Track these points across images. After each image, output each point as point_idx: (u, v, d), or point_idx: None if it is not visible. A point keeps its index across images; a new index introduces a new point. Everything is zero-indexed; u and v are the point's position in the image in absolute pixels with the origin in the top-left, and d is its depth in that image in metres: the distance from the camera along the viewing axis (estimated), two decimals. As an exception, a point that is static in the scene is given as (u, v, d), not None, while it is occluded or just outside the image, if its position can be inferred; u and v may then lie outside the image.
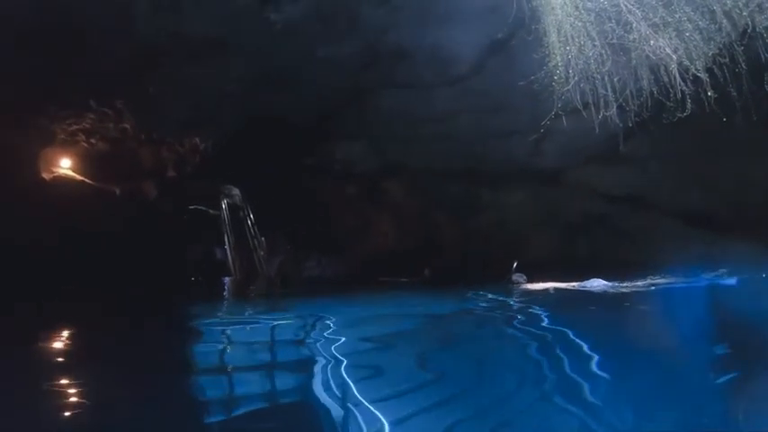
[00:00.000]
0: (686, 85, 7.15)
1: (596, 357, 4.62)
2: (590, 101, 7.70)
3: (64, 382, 4.27)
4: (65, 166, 10.05)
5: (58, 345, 5.74)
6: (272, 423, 3.41)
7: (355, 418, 3.25)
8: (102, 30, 8.13)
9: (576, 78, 7.53)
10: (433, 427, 3.22)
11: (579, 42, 7.42)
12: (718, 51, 7.13)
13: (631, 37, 7.22)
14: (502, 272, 10.38)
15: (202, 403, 3.79)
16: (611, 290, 9.10)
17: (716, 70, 7.16)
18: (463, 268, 11.56)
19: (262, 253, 11.08)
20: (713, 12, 6.92)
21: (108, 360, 4.73)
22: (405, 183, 12.86)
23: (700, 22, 7.00)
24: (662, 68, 7.26)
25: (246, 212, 11.09)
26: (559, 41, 7.47)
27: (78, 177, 10.11)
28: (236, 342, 6.21)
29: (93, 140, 10.20)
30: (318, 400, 3.62)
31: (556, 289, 9.47)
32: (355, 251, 12.30)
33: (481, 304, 8.47)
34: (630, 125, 8.16)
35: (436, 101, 10.78)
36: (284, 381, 4.41)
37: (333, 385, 3.91)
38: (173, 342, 5.84)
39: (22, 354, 5.04)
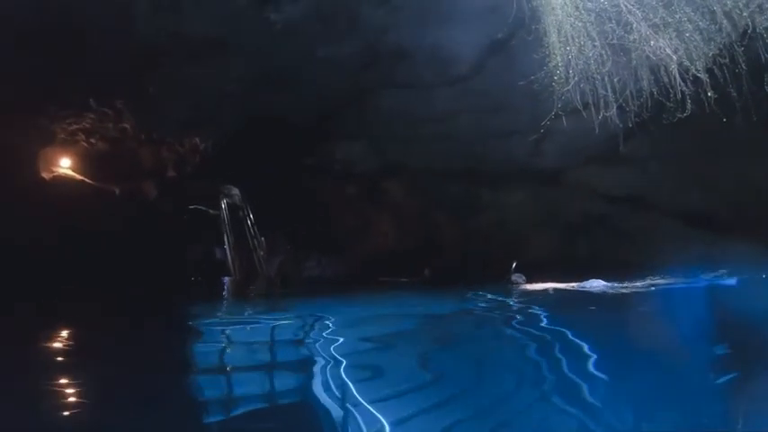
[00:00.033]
0: (686, 86, 7.15)
1: (595, 358, 4.62)
2: (590, 101, 7.69)
3: (64, 381, 4.28)
4: (65, 165, 10.05)
5: (57, 345, 5.74)
6: (271, 423, 3.41)
7: (354, 418, 3.25)
8: (102, 30, 8.13)
9: (576, 79, 7.53)
10: (432, 428, 3.22)
11: (579, 43, 7.41)
12: (718, 52, 7.13)
13: (631, 37, 7.21)
14: (502, 272, 10.37)
15: (201, 403, 3.79)
16: (611, 290, 9.10)
17: (716, 71, 7.16)
18: (463, 268, 11.55)
19: (261, 253, 11.08)
20: (713, 12, 6.92)
21: (108, 360, 4.72)
22: (405, 183, 12.86)
23: (700, 23, 7.00)
24: (662, 69, 7.26)
25: (246, 212, 11.08)
26: (559, 42, 7.47)
27: (78, 177, 10.11)
28: (235, 342, 6.21)
29: (92, 140, 10.20)
30: (317, 400, 3.62)
31: (555, 289, 9.47)
32: (355, 251, 12.30)
33: (481, 304, 8.46)
34: (630, 125, 8.15)
35: (436, 101, 10.78)
36: (283, 381, 4.41)
37: (332, 385, 3.90)
38: (172, 342, 5.84)
39: (22, 354, 5.04)
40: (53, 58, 8.12)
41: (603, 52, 7.37)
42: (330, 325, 6.49)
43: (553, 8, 7.46)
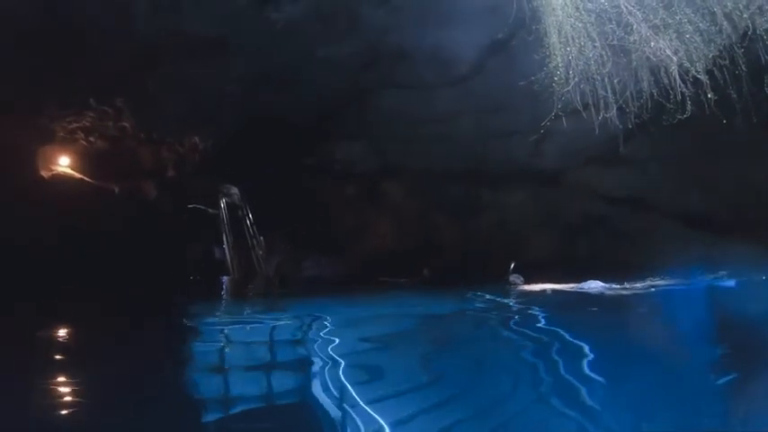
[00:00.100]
0: (686, 87, 7.15)
1: (594, 359, 4.62)
2: (590, 102, 7.70)
3: (64, 381, 4.29)
4: (64, 164, 10.05)
5: (57, 345, 5.75)
6: (269, 423, 3.42)
7: (352, 418, 3.26)
8: (102, 30, 8.15)
9: (577, 79, 7.53)
10: (431, 428, 3.23)
11: (580, 43, 7.41)
12: (718, 53, 7.12)
13: (632, 38, 7.21)
14: (501, 273, 10.37)
15: (200, 403, 3.80)
16: (609, 292, 9.09)
17: (716, 72, 7.17)
18: (463, 269, 11.54)
19: (260, 252, 11.08)
20: (714, 14, 6.92)
21: (108, 360, 4.73)
22: (405, 183, 12.84)
23: (700, 24, 6.99)
24: (662, 70, 7.26)
25: (245, 212, 11.09)
26: (560, 42, 7.47)
27: (77, 176, 10.11)
28: (234, 342, 6.22)
29: (92, 139, 10.20)
30: (315, 399, 3.64)
31: (553, 290, 9.46)
32: (355, 251, 12.28)
33: (479, 305, 8.47)
34: (630, 126, 8.16)
35: (436, 101, 10.77)
36: (282, 381, 4.42)
37: (330, 386, 3.91)
38: (171, 342, 5.85)
39: (22, 354, 5.05)
40: (53, 58, 8.12)
41: (604, 53, 7.37)
42: (328, 325, 6.50)
43: (553, 9, 7.46)
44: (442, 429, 3.20)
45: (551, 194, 12.32)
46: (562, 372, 4.34)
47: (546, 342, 5.71)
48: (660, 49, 7.08)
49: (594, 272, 9.68)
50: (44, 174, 9.75)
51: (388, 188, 13.01)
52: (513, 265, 10.32)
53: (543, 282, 9.87)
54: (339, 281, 11.16)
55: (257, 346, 5.78)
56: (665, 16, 7.03)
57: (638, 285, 9.41)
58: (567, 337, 5.55)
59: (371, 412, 3.28)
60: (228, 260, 10.87)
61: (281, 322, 7.23)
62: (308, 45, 9.29)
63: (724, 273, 9.74)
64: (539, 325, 6.61)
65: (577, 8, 7.33)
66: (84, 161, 10.18)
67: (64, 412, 3.61)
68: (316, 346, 5.30)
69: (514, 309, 8.30)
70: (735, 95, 7.19)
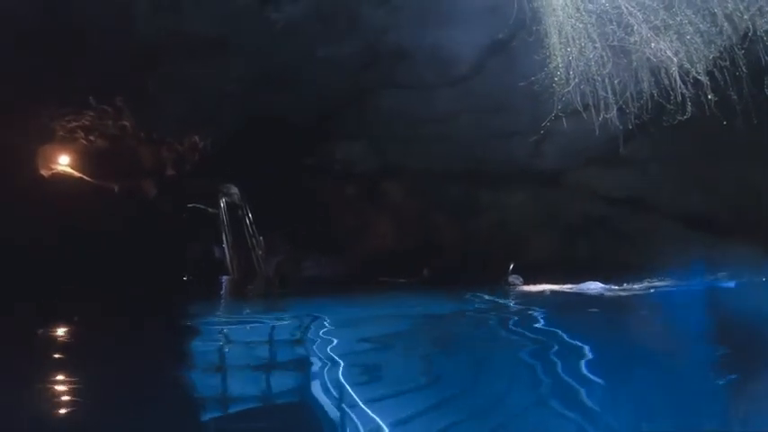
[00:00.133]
0: (687, 88, 7.15)
1: (593, 360, 4.62)
2: (590, 103, 7.70)
3: (64, 381, 4.30)
4: (63, 163, 10.05)
5: (57, 345, 5.76)
6: (268, 423, 3.43)
7: (351, 418, 3.26)
8: (102, 30, 8.15)
9: (577, 80, 7.53)
10: (429, 428, 3.23)
11: (580, 44, 7.41)
12: (718, 54, 7.12)
13: (632, 39, 7.21)
14: (501, 273, 10.37)
15: (199, 402, 3.81)
16: (608, 293, 9.09)
17: (716, 73, 7.17)
18: (463, 269, 11.55)
19: (260, 252, 11.08)
20: (714, 15, 6.91)
21: (108, 359, 4.74)
22: (405, 183, 12.84)
23: (701, 25, 6.99)
24: (662, 71, 7.26)
25: (245, 211, 11.09)
26: (560, 43, 7.47)
27: (77, 175, 10.11)
28: (233, 342, 6.23)
29: (92, 138, 10.20)
30: (314, 399, 3.64)
31: (552, 291, 9.47)
32: (355, 251, 12.28)
33: (479, 306, 8.47)
34: (631, 127, 8.16)
35: (436, 101, 10.76)
36: (281, 381, 4.43)
37: (329, 386, 3.92)
38: (171, 342, 5.86)
39: (22, 353, 5.06)
40: (53, 58, 8.12)
41: (604, 54, 7.37)
42: (327, 325, 6.50)
43: (554, 9, 7.46)
44: (441, 430, 3.21)
45: (551, 195, 12.31)
46: (560, 372, 4.34)
47: (544, 343, 5.71)
48: (661, 50, 7.08)
49: (595, 273, 9.68)
50: (44, 173, 9.75)
51: (388, 188, 13.00)
52: (512, 266, 10.32)
53: (543, 282, 9.87)
54: (339, 281, 11.16)
55: (257, 346, 5.79)
56: (665, 17, 7.03)
57: (637, 286, 9.42)
58: (566, 337, 5.55)
59: (370, 412, 3.28)
60: (228, 260, 10.87)
61: (281, 322, 7.24)
62: (308, 45, 9.29)
63: (724, 274, 9.74)
64: (537, 326, 6.61)
65: (578, 9, 7.33)
66: (83, 160, 10.19)
67: (64, 412, 3.62)
68: (315, 346, 5.31)
69: (513, 309, 8.31)
70: (735, 97, 7.19)
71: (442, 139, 11.42)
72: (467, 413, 3.49)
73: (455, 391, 4.04)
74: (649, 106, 7.59)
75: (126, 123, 10.27)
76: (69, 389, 4.09)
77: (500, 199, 12.62)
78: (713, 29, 7.00)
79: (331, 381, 4.00)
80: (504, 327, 6.86)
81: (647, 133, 8.54)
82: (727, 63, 7.08)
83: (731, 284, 9.46)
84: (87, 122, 10.00)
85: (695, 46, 7.07)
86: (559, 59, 7.46)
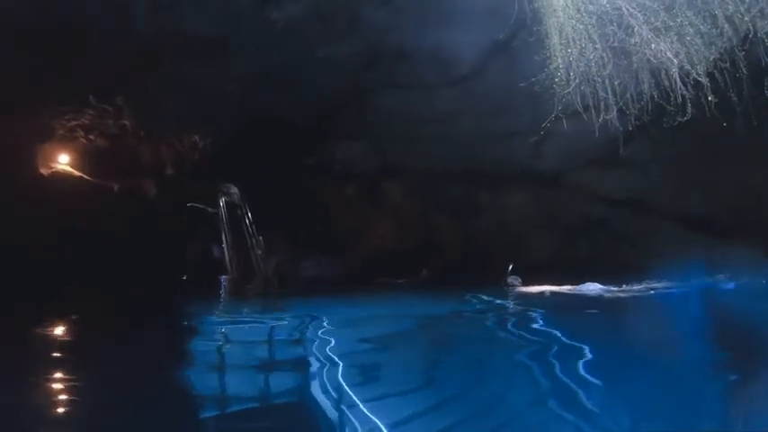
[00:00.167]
0: (687, 90, 7.16)
1: (592, 361, 4.62)
2: (590, 104, 7.71)
3: (64, 381, 4.30)
4: (63, 162, 10.05)
5: (57, 345, 5.76)
6: (267, 423, 3.44)
7: (349, 418, 3.26)
8: (102, 30, 8.15)
9: (577, 81, 7.54)
10: (428, 429, 3.23)
11: (580, 45, 7.42)
12: (719, 56, 7.13)
13: (633, 40, 7.22)
14: (501, 274, 10.37)
15: (199, 402, 3.82)
16: (607, 294, 9.09)
17: (717, 75, 7.18)
18: (463, 270, 11.55)
19: (260, 252, 11.09)
20: (715, 16, 6.92)
21: (107, 359, 4.75)
22: (405, 183, 12.84)
23: (701, 27, 6.99)
24: (663, 72, 7.27)
25: (244, 211, 11.10)
26: (561, 44, 7.48)
27: (77, 174, 10.11)
28: (232, 341, 6.24)
29: (91, 137, 10.20)
30: (313, 399, 3.64)
31: (551, 292, 9.47)
32: (355, 251, 12.29)
33: (478, 306, 8.47)
34: (631, 129, 8.17)
35: (437, 102, 10.76)
36: (280, 381, 4.44)
37: (328, 386, 3.92)
38: (171, 341, 5.87)
39: (22, 353, 5.06)
40: (53, 58, 8.13)
41: (604, 55, 7.37)
42: (327, 325, 6.51)
43: (554, 10, 7.46)
44: (440, 430, 3.21)
45: (551, 196, 12.32)
46: (559, 373, 4.34)
47: (543, 344, 5.71)
48: (661, 51, 7.09)
49: (594, 274, 9.68)
50: (44, 172, 9.76)
51: (388, 188, 13.01)
52: (511, 267, 10.33)
53: (543, 283, 9.87)
54: (339, 281, 11.16)
55: (256, 346, 5.80)
56: (666, 19, 7.03)
57: (636, 288, 9.41)
58: (565, 338, 5.56)
59: (368, 413, 3.28)
60: (227, 260, 10.88)
61: (280, 322, 7.24)
62: (308, 45, 9.29)
63: (724, 275, 9.74)
64: (536, 326, 6.62)
65: (579, 10, 7.33)
66: (83, 159, 10.19)
67: (64, 412, 3.62)
68: (314, 346, 5.31)
69: (512, 310, 8.31)
70: (735, 98, 7.20)
71: (442, 140, 11.42)
72: (465, 414, 3.50)
73: (454, 391, 4.04)
74: (649, 107, 7.59)
75: (126, 122, 10.27)
76: (69, 388, 4.10)
77: (500, 199, 12.62)
78: (714, 30, 7.01)
79: (330, 381, 4.01)
80: (502, 327, 6.86)
81: (648, 134, 8.55)
82: (728, 65, 7.09)
83: (731, 286, 9.46)
84: (87, 121, 10.01)
85: (696, 47, 7.08)
86: (560, 60, 7.46)
